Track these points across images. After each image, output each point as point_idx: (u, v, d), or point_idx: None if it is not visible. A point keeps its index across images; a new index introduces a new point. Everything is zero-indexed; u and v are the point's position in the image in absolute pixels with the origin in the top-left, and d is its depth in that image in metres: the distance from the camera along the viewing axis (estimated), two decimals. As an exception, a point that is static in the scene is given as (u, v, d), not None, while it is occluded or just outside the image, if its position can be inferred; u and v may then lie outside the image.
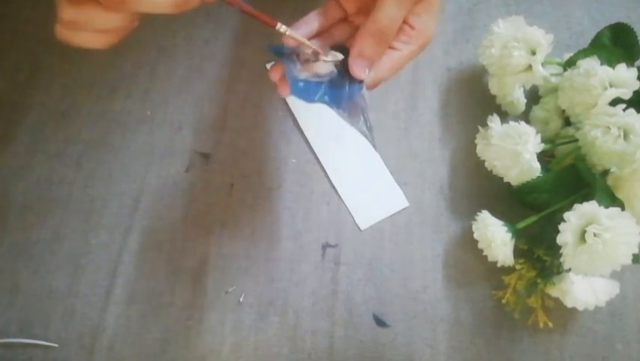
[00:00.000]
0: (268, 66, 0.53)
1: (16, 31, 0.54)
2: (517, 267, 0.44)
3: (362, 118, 0.35)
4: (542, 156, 0.44)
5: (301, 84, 0.34)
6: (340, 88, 0.34)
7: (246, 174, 0.49)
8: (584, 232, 0.38)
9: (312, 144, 0.50)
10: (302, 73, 0.34)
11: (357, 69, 0.34)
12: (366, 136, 0.35)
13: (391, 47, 0.35)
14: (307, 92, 0.34)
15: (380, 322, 0.45)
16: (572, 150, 0.44)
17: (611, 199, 0.40)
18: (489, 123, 0.45)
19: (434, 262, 0.47)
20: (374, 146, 0.36)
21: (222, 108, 0.51)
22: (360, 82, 0.34)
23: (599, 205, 0.38)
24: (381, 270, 0.46)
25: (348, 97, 0.34)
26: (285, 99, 0.51)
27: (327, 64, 0.34)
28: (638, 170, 0.39)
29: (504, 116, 0.49)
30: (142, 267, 0.46)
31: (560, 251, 0.39)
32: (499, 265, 0.43)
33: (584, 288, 0.42)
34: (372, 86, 0.35)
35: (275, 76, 0.36)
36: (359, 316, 0.45)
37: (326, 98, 0.34)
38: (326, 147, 0.50)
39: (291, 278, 0.46)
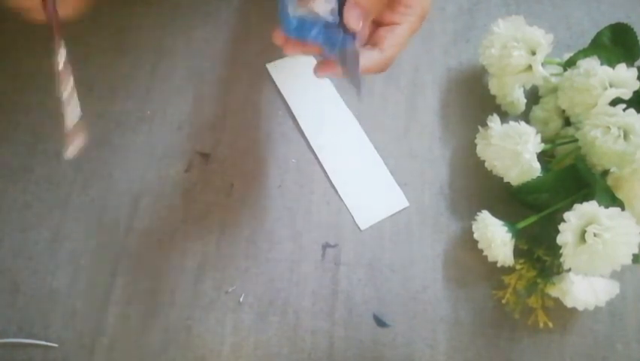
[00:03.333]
0: (268, 66, 0.53)
1: (16, 31, 0.54)
2: (517, 267, 0.44)
3: (352, 69, 0.34)
4: (542, 156, 0.44)
5: (295, 22, 0.33)
6: (335, 33, 0.34)
7: (245, 174, 0.49)
8: (584, 232, 0.38)
9: (312, 144, 0.50)
10: (298, 9, 0.33)
11: (352, 19, 0.33)
12: (355, 86, 0.35)
13: (392, 22, 0.35)
14: (301, 30, 0.34)
15: (380, 322, 0.45)
16: (572, 150, 0.44)
17: (611, 199, 0.40)
18: (489, 123, 0.45)
19: (434, 262, 0.47)
20: (359, 95, 0.35)
21: (222, 108, 0.51)
22: (354, 35, 0.33)
23: (599, 205, 0.38)
24: (381, 270, 0.46)
25: (341, 45, 0.34)
26: (284, 99, 0.51)
27: (324, 3, 0.33)
28: (638, 170, 0.39)
29: (504, 116, 0.49)
30: (142, 267, 0.46)
31: (560, 251, 0.39)
32: (499, 265, 0.43)
33: (584, 288, 0.42)
34: (383, 68, 0.36)
35: (278, 39, 0.35)
36: (359, 316, 0.45)
37: (320, 38, 0.34)
38: (326, 147, 0.50)
39: (291, 278, 0.46)
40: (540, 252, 0.43)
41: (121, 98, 0.52)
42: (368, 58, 0.35)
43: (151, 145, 0.50)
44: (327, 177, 0.49)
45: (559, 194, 0.43)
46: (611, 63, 0.42)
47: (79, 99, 0.52)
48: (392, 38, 0.35)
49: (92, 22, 0.54)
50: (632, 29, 0.45)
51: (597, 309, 0.42)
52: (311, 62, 0.53)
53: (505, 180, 0.45)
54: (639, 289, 0.45)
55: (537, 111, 0.49)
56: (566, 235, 0.38)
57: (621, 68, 0.41)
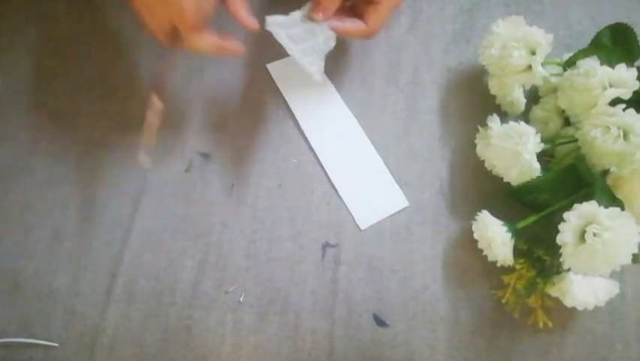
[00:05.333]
0: (268, 66, 0.53)
1: (17, 31, 0.54)
2: (517, 267, 0.44)
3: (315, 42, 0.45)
4: (542, 156, 0.44)
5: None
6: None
7: (246, 174, 0.49)
8: (583, 232, 0.38)
9: (312, 144, 0.50)
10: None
11: (314, 12, 0.45)
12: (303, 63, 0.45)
13: (375, 2, 0.45)
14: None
15: (380, 322, 0.45)
16: (572, 150, 0.44)
17: (611, 199, 0.40)
18: (489, 123, 0.45)
19: (434, 262, 0.47)
20: (316, 71, 0.46)
21: (222, 108, 0.52)
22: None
23: (599, 205, 0.38)
24: (381, 270, 0.46)
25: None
26: (284, 99, 0.51)
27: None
28: (638, 170, 0.39)
29: (504, 116, 0.49)
30: (142, 267, 0.46)
31: (560, 251, 0.39)
32: (498, 265, 0.43)
33: (583, 288, 0.42)
34: (369, 37, 0.47)
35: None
36: (359, 316, 0.45)
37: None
38: (326, 147, 0.50)
39: (291, 278, 0.46)
40: (540, 252, 0.43)
41: (121, 98, 0.52)
42: (356, 28, 0.46)
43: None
44: (327, 177, 0.49)
45: (559, 194, 0.43)
46: (611, 63, 0.42)
47: (78, 99, 0.52)
48: (376, 14, 0.45)
49: (92, 22, 0.55)
50: (632, 29, 0.45)
51: (597, 309, 0.42)
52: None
53: (505, 180, 0.45)
54: (639, 289, 0.45)
55: (537, 111, 0.49)
56: (566, 234, 0.38)
57: (621, 68, 0.41)
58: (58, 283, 0.45)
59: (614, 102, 0.41)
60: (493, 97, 0.50)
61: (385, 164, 0.50)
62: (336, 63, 0.54)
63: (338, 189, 0.49)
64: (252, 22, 0.43)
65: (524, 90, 0.49)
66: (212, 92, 0.52)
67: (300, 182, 0.49)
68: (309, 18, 0.45)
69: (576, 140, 0.42)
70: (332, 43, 0.46)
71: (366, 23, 0.45)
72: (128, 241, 0.47)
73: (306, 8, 0.45)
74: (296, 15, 0.45)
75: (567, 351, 0.44)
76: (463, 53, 0.54)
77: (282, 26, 0.44)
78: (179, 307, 0.45)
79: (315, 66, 0.45)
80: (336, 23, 0.45)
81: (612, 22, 0.47)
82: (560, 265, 0.41)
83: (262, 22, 0.44)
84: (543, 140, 0.43)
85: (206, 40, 0.42)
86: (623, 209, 0.38)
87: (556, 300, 0.43)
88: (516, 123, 0.43)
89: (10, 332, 0.44)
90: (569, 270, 0.40)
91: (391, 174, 0.49)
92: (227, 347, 0.44)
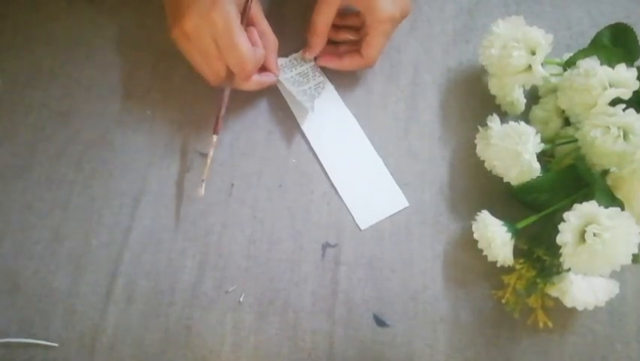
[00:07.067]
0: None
1: (16, 31, 0.54)
2: (517, 267, 0.44)
3: (309, 85, 0.51)
4: (542, 156, 0.44)
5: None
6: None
7: (245, 174, 0.49)
8: (583, 232, 0.38)
9: (312, 144, 0.50)
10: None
11: (303, 51, 0.51)
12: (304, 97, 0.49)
13: (366, 33, 0.48)
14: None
15: (380, 322, 0.45)
16: (572, 150, 0.44)
17: (611, 199, 0.40)
18: (489, 123, 0.45)
19: (434, 262, 0.47)
20: (309, 108, 0.49)
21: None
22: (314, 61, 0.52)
23: (599, 205, 0.38)
24: (381, 270, 0.46)
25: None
26: (285, 100, 0.51)
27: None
28: (638, 170, 0.39)
29: (504, 116, 0.49)
30: (142, 267, 0.46)
31: (560, 251, 0.39)
32: (498, 265, 0.43)
33: (583, 288, 0.42)
34: (369, 65, 0.50)
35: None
36: (359, 316, 0.45)
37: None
38: (326, 147, 0.50)
39: (291, 278, 0.46)
40: (540, 252, 0.43)
41: (121, 97, 0.52)
42: (352, 63, 0.50)
43: (151, 145, 0.50)
44: (327, 177, 0.49)
45: (559, 194, 0.43)
46: (611, 63, 0.42)
47: (78, 99, 0.52)
48: (367, 46, 0.48)
49: (92, 22, 0.55)
50: (632, 29, 0.46)
51: (597, 309, 0.42)
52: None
53: (505, 180, 0.45)
54: (639, 289, 0.45)
55: (537, 111, 0.49)
56: (566, 234, 0.38)
57: (621, 68, 0.41)
58: (58, 283, 0.45)
59: (614, 102, 0.41)
60: (493, 97, 0.50)
61: (385, 164, 0.50)
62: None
63: (338, 189, 0.49)
64: (277, 72, 0.49)
65: (524, 90, 0.49)
66: (212, 92, 0.52)
67: (300, 182, 0.49)
68: (302, 59, 0.52)
69: (576, 140, 0.43)
70: (321, 89, 0.51)
71: (362, 55, 0.49)
72: (127, 240, 0.47)
73: (300, 52, 0.51)
74: (292, 56, 0.52)
75: (567, 351, 0.44)
76: (463, 53, 0.54)
77: (281, 67, 0.50)
78: (179, 307, 0.45)
79: (306, 104, 0.49)
80: (333, 63, 0.51)
81: (612, 22, 0.47)
82: (559, 265, 0.41)
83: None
84: (543, 140, 0.43)
85: (253, 82, 0.47)
86: (623, 209, 0.38)
87: (557, 300, 0.43)
88: (516, 123, 0.43)
89: (10, 332, 0.44)
90: (569, 270, 0.40)
91: (391, 174, 0.49)
92: (227, 347, 0.44)
